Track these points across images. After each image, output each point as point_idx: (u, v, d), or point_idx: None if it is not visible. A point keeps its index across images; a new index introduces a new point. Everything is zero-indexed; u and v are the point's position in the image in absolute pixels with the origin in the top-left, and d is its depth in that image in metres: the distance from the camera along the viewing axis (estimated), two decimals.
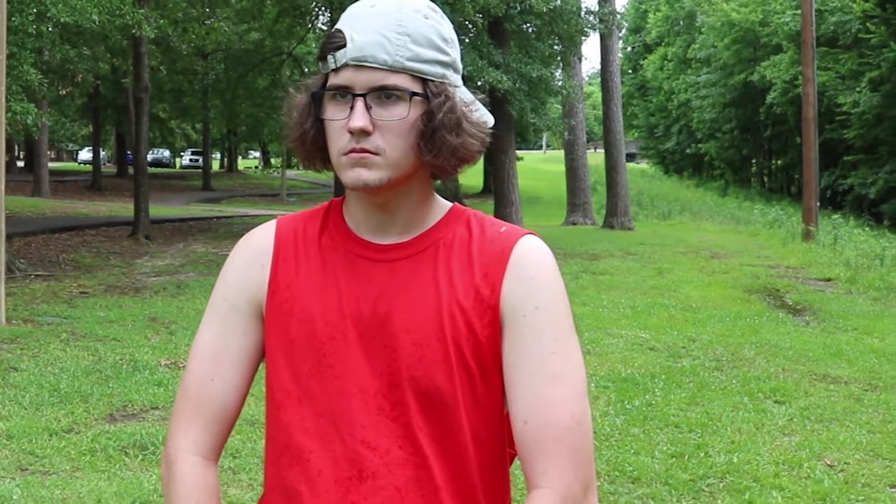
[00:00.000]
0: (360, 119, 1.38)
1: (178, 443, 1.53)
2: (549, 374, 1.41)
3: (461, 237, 1.49)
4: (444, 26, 1.45)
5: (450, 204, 1.56)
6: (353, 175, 1.40)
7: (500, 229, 1.51)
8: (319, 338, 1.46)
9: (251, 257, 1.56)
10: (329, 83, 1.43)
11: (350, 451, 1.43)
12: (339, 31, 1.41)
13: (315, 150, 1.48)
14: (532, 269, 1.45)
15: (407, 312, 1.44)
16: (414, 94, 1.39)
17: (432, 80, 1.41)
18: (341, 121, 1.40)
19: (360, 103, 1.39)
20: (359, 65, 1.39)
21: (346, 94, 1.40)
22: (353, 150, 1.40)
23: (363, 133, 1.39)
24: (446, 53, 1.44)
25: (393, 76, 1.38)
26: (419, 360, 1.42)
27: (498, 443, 1.50)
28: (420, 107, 1.40)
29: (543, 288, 1.45)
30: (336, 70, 1.41)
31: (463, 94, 1.47)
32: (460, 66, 1.49)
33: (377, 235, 1.50)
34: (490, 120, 1.51)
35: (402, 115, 1.39)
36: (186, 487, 1.49)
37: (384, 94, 1.39)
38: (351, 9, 1.44)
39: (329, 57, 1.41)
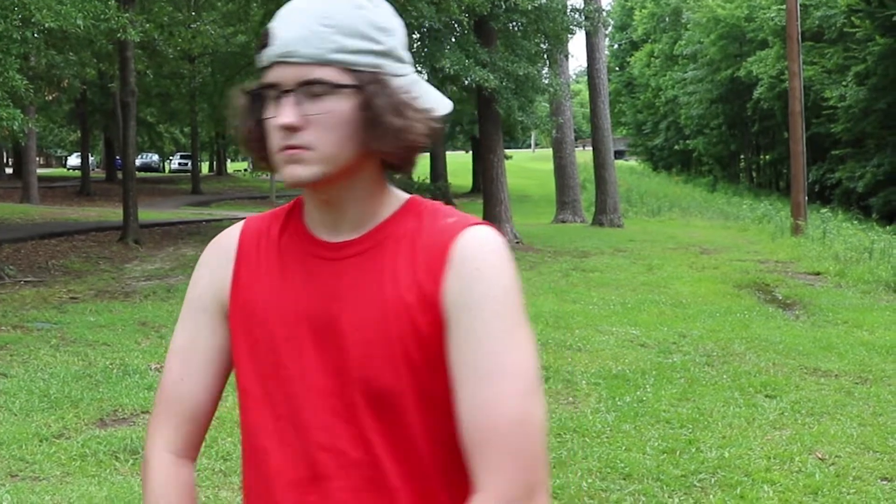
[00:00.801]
0: (286, 115, 1.36)
1: (153, 441, 1.57)
2: (489, 371, 1.35)
3: (411, 231, 1.45)
4: (379, 15, 1.41)
5: (406, 197, 1.51)
6: (288, 172, 1.39)
7: (447, 220, 1.45)
8: (277, 339, 1.46)
9: (217, 257, 1.57)
10: (261, 81, 1.42)
11: (306, 453, 1.43)
12: (268, 29, 1.40)
13: (261, 150, 1.46)
14: (474, 262, 1.39)
15: (355, 311, 1.41)
16: (341, 85, 1.36)
17: (363, 71, 1.38)
18: (274, 118, 1.39)
19: (286, 99, 1.37)
20: (284, 61, 1.37)
21: (276, 91, 1.39)
22: (286, 147, 1.38)
23: (293, 129, 1.37)
24: (379, 42, 1.39)
25: (318, 69, 1.36)
26: (368, 360, 1.40)
27: (457, 440, 1.45)
28: (353, 98, 1.37)
29: (485, 282, 1.38)
30: (268, 68, 1.40)
31: (407, 82, 1.42)
32: (404, 53, 1.44)
33: (330, 233, 1.48)
34: (443, 108, 1.46)
35: (331, 108, 1.37)
36: (159, 484, 1.53)
37: (313, 89, 1.36)
38: (285, 6, 1.42)
39: (260, 56, 1.41)
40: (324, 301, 1.44)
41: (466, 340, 1.36)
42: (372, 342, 1.40)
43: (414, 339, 1.39)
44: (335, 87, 1.36)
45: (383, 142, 1.38)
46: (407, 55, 1.45)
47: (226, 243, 1.58)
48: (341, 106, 1.37)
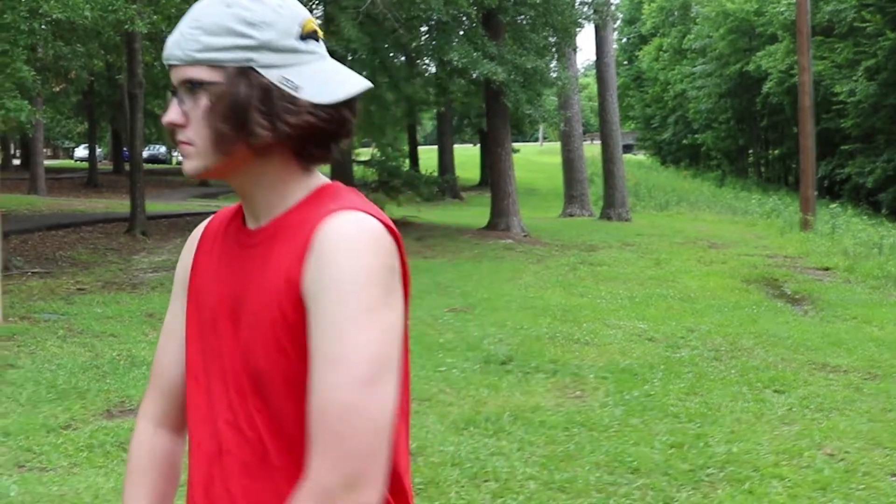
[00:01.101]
0: (167, 114, 1.48)
1: (139, 413, 1.76)
2: (327, 358, 1.36)
3: (302, 219, 1.47)
4: (253, 10, 1.44)
5: (321, 183, 1.54)
6: (183, 165, 1.49)
7: (329, 207, 1.46)
8: (207, 323, 1.56)
9: (187, 247, 1.71)
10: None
11: (215, 428, 1.52)
12: None
13: None
14: (327, 249, 1.39)
15: (249, 298, 1.48)
16: (208, 83, 1.43)
17: (232, 67, 1.43)
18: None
19: (173, 99, 1.47)
20: (169, 64, 1.47)
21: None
22: (178, 143, 1.48)
23: (178, 126, 1.47)
24: (249, 37, 1.43)
25: (190, 69, 1.44)
26: (253, 345, 1.46)
27: None
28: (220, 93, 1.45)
29: (335, 268, 1.38)
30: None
31: (283, 72, 1.45)
32: (289, 42, 1.45)
33: (253, 221, 1.55)
34: (340, 93, 1.47)
35: (201, 105, 1.44)
36: (134, 449, 1.72)
37: (189, 87, 1.45)
38: None
39: None
40: (239, 287, 1.52)
41: (317, 325, 1.39)
42: (255, 326, 1.46)
43: (283, 324, 1.43)
44: (203, 85, 1.44)
45: (240, 132, 1.43)
46: (298, 44, 1.47)
47: (195, 233, 1.71)
48: (206, 102, 1.44)
